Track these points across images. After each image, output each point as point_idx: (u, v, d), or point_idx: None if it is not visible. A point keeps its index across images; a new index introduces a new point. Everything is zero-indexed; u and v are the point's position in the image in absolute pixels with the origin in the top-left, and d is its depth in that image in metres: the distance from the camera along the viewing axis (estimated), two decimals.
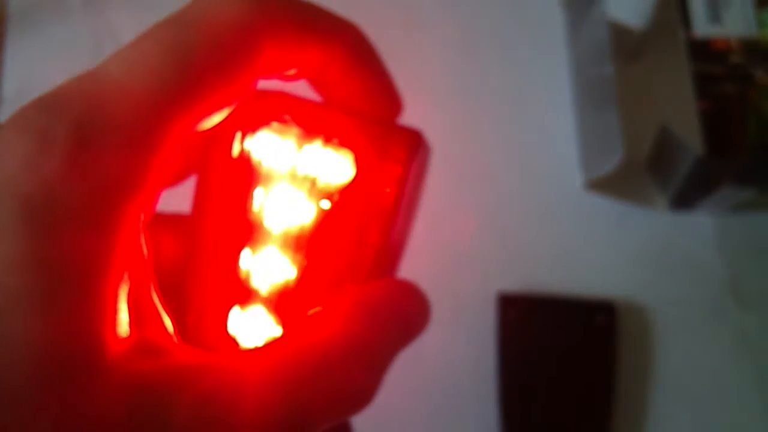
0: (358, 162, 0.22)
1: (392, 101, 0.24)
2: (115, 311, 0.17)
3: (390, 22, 0.60)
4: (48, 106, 0.17)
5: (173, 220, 0.25)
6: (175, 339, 0.20)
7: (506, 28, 0.60)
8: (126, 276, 0.18)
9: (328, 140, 0.22)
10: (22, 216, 0.16)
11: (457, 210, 0.54)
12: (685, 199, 0.53)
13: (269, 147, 0.22)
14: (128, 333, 0.17)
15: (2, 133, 0.17)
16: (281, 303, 0.22)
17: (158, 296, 0.20)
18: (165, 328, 0.20)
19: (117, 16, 0.60)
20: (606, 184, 0.54)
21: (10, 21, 0.60)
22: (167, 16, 0.19)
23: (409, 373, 0.50)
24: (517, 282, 0.52)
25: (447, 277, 0.53)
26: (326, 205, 0.22)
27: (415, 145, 0.22)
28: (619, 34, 0.54)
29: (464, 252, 0.54)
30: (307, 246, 0.22)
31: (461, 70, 0.59)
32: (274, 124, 0.22)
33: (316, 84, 0.23)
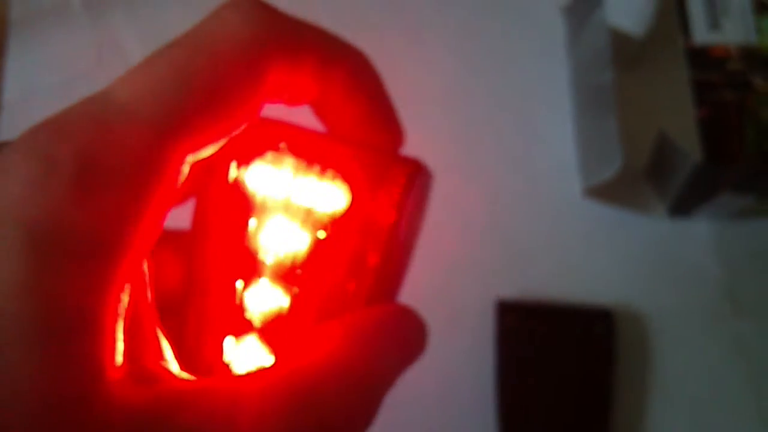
0: (355, 192, 0.22)
1: (394, 130, 0.24)
2: (114, 339, 0.17)
3: (390, 32, 0.60)
4: (54, 130, 0.17)
5: (173, 236, 0.25)
6: (172, 365, 0.20)
7: (506, 36, 0.60)
8: (126, 303, 0.18)
9: (323, 170, 0.22)
10: (25, 241, 0.16)
11: (456, 217, 0.54)
12: (683, 206, 0.53)
13: (264, 176, 0.22)
14: (127, 361, 0.17)
15: (8, 156, 0.17)
16: (274, 333, 0.22)
17: (158, 321, 0.20)
18: (163, 355, 0.20)
19: (119, 24, 0.60)
20: (605, 191, 0.54)
21: (12, 28, 0.60)
22: (175, 39, 0.19)
23: (406, 379, 0.50)
24: (516, 289, 0.52)
25: (446, 283, 0.53)
26: (322, 235, 0.22)
27: (413, 174, 0.22)
28: (619, 41, 0.54)
29: (463, 259, 0.54)
30: (302, 276, 0.22)
31: (461, 77, 0.59)
32: (270, 153, 0.22)
33: (318, 110, 0.23)
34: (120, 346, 0.17)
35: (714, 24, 0.50)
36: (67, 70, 0.58)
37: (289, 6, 0.21)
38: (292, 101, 0.22)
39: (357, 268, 0.22)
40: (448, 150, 0.56)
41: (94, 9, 0.61)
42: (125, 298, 0.18)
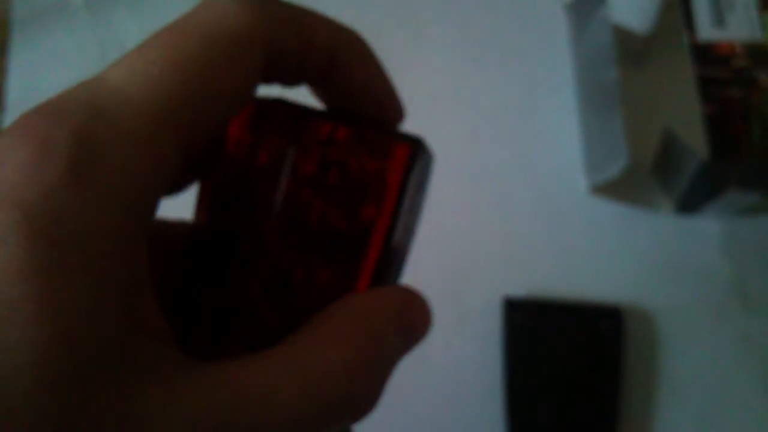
0: (358, 169, 0.22)
1: (394, 107, 0.24)
2: (116, 321, 0.17)
3: (394, 28, 0.60)
4: (50, 113, 0.17)
5: (175, 226, 0.25)
6: (176, 348, 0.20)
7: (510, 33, 0.60)
8: (128, 284, 0.18)
9: (327, 147, 0.22)
10: (22, 225, 0.16)
11: (462, 215, 0.54)
12: (690, 204, 0.52)
13: (268, 153, 0.22)
14: (130, 342, 0.17)
15: (3, 140, 0.17)
16: (282, 310, 0.22)
17: (160, 304, 0.20)
18: (167, 337, 0.20)
19: (121, 22, 0.60)
20: (611, 189, 0.53)
21: (14, 27, 0.60)
22: (169, 23, 0.19)
23: (415, 377, 0.50)
24: (523, 287, 0.52)
25: (453, 282, 0.53)
26: (326, 211, 0.22)
27: (415, 151, 0.22)
28: (624, 38, 0.54)
29: (470, 257, 0.54)
30: (307, 254, 0.22)
31: (465, 75, 0.59)
32: (273, 130, 0.22)
33: (317, 90, 0.24)
34: (123, 326, 0.17)
35: (718, 20, 0.50)
36: (70, 69, 0.58)
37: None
38: (288, 81, 0.22)
39: (360, 248, 0.22)
40: (453, 149, 0.56)
41: (96, 7, 0.61)
42: (125, 280, 0.17)
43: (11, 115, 0.57)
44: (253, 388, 0.18)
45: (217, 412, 0.17)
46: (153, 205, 0.19)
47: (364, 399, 0.20)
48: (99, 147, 0.17)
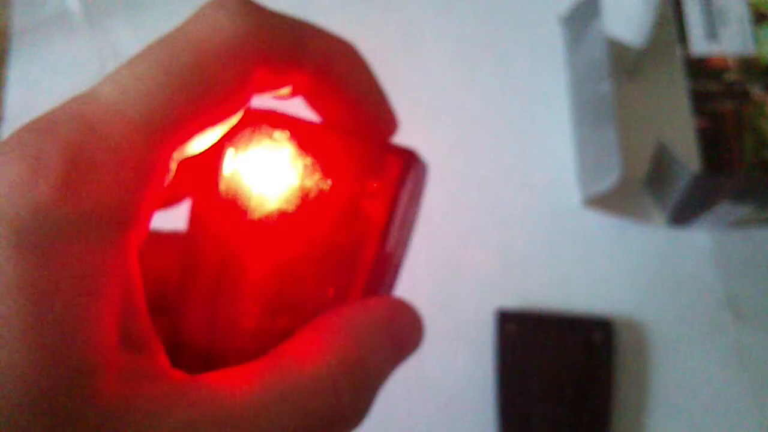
0: (350, 181, 0.22)
1: (387, 120, 0.24)
2: (106, 335, 0.17)
3: (388, 40, 0.60)
4: (41, 129, 0.17)
5: (168, 238, 0.25)
6: (166, 362, 0.20)
7: (505, 46, 0.60)
8: (119, 299, 0.18)
9: (319, 159, 0.22)
10: (13, 241, 0.16)
11: (455, 227, 0.55)
12: (682, 216, 0.53)
13: (260, 166, 0.22)
14: (119, 357, 0.17)
15: None
16: (272, 323, 0.22)
17: (151, 319, 0.20)
18: (156, 351, 0.20)
19: (121, 34, 0.61)
20: (604, 201, 0.54)
21: (13, 38, 0.60)
22: (161, 37, 0.19)
23: (408, 389, 0.50)
24: (516, 299, 0.52)
25: (446, 293, 0.53)
26: (317, 224, 0.22)
27: (407, 164, 0.22)
28: (618, 51, 0.54)
29: (463, 269, 0.54)
30: (299, 266, 0.22)
31: (459, 87, 0.59)
32: (265, 142, 0.22)
33: (311, 102, 0.23)
34: (115, 341, 0.17)
35: (712, 34, 0.50)
36: (70, 81, 0.58)
37: (286, 10, 0.21)
38: (285, 95, 0.22)
39: (352, 259, 0.22)
40: (447, 160, 0.56)
41: (96, 19, 0.61)
42: (119, 294, 0.17)
43: (10, 126, 0.57)
44: (239, 401, 0.18)
45: (202, 426, 0.17)
46: (145, 220, 0.19)
47: (352, 412, 0.19)
48: (90, 163, 0.17)
